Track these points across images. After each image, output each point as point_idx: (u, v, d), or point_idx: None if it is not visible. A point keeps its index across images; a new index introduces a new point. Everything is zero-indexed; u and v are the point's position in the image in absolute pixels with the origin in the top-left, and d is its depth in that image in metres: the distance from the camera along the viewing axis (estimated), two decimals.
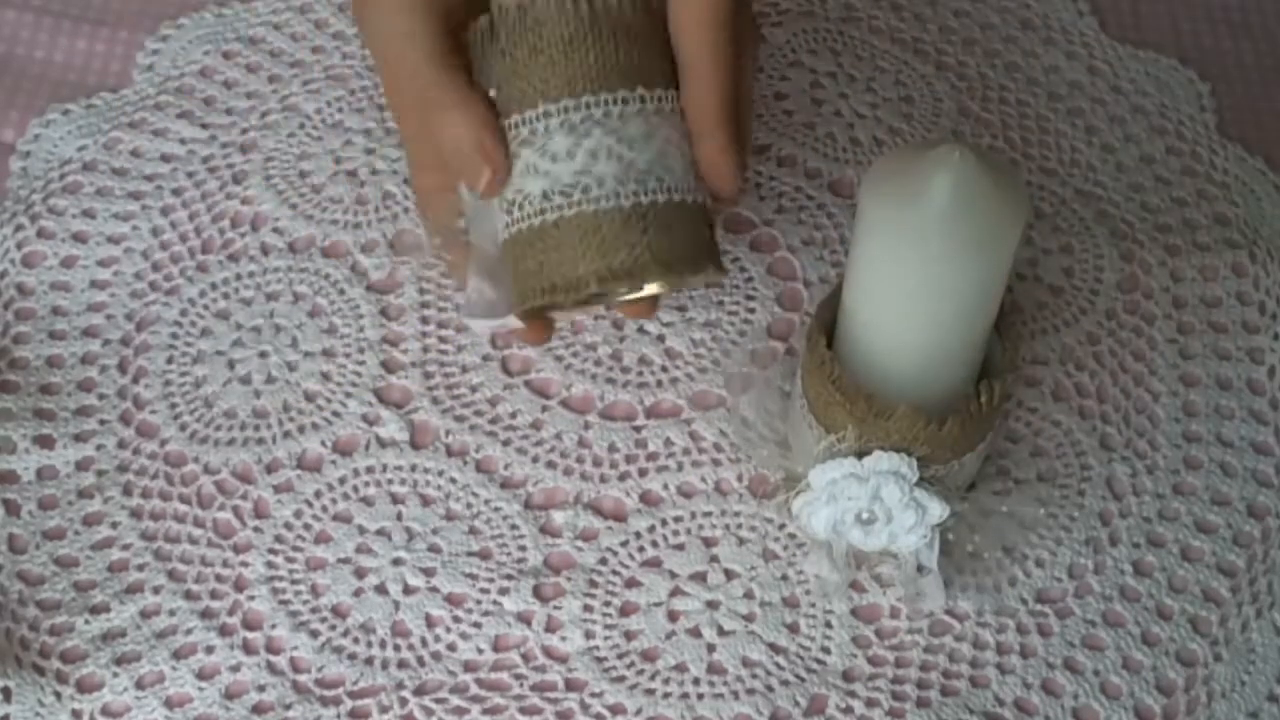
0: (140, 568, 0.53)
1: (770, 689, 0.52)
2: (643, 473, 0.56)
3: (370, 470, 0.56)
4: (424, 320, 0.59)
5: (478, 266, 0.51)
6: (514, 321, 0.51)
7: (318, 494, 0.55)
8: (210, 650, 0.52)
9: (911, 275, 0.46)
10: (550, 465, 0.56)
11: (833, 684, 0.52)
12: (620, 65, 0.48)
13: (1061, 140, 0.65)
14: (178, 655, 0.52)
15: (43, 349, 0.58)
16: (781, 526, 0.55)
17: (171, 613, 0.52)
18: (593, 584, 0.54)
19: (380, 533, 0.54)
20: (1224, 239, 0.62)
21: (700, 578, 0.54)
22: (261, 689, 0.51)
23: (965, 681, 0.52)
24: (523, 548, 0.54)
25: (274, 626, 0.52)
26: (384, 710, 0.51)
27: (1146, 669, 0.53)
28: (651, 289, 0.51)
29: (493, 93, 0.49)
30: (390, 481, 0.55)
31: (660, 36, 0.49)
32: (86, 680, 0.51)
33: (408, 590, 0.53)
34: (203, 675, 0.51)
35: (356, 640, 0.52)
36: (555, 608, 0.53)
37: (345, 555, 0.54)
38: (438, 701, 0.51)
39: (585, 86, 0.47)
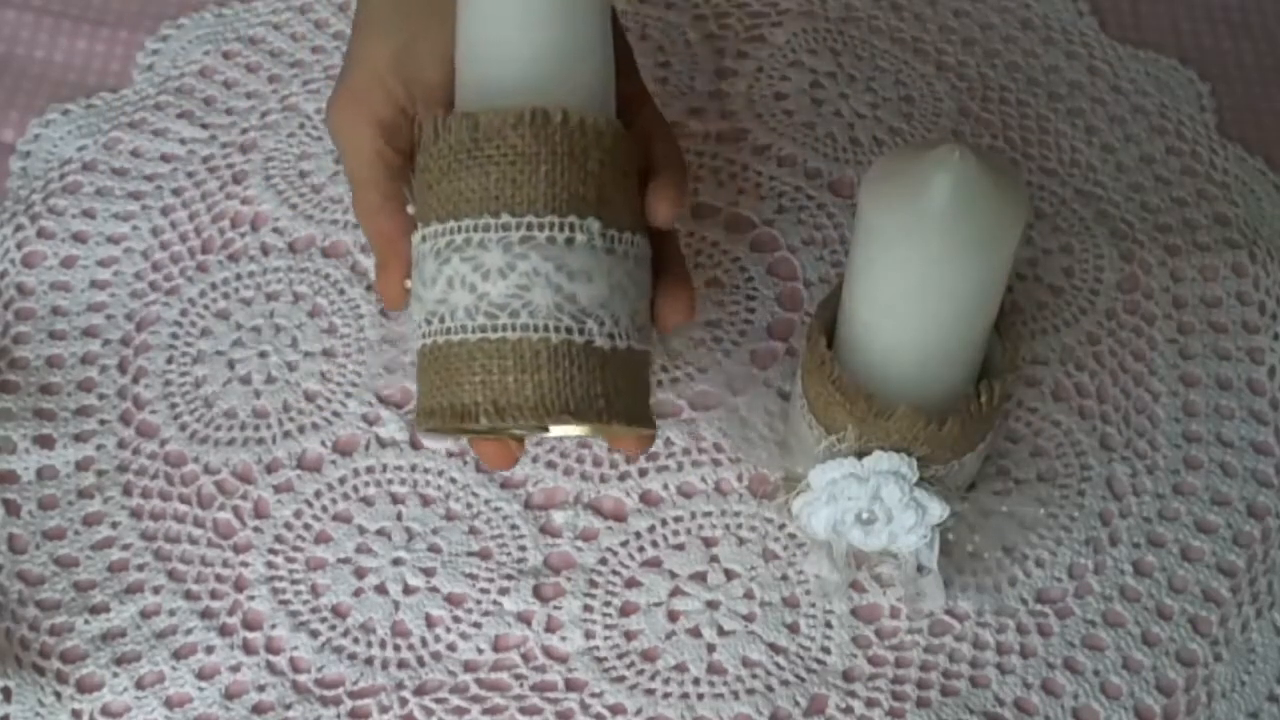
0: (140, 568, 0.53)
1: (770, 689, 0.52)
2: (643, 473, 0.56)
3: (370, 470, 0.56)
4: None
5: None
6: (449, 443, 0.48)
7: (318, 494, 0.55)
8: (210, 650, 0.52)
9: (912, 275, 0.46)
10: (550, 465, 0.56)
11: (833, 684, 0.52)
12: (578, 193, 0.44)
13: (1061, 140, 0.65)
14: (178, 655, 0.52)
15: (43, 349, 0.58)
16: (781, 526, 0.55)
17: (171, 613, 0.52)
18: (593, 584, 0.54)
19: (380, 533, 0.54)
20: (1224, 239, 0.62)
21: (700, 578, 0.54)
22: (261, 689, 0.51)
23: (965, 681, 0.52)
24: (523, 548, 0.54)
25: (274, 626, 0.52)
26: (384, 710, 0.51)
27: (1146, 669, 0.53)
28: (567, 430, 0.48)
29: (410, 209, 0.48)
30: (390, 481, 0.55)
31: (634, 179, 0.46)
32: (86, 680, 0.51)
33: (408, 590, 0.53)
34: (203, 675, 0.51)
35: (356, 640, 0.52)
36: (555, 608, 0.53)
37: (345, 555, 0.54)
38: (438, 701, 0.51)
39: (531, 206, 0.44)
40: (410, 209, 0.49)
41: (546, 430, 0.49)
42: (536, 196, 0.44)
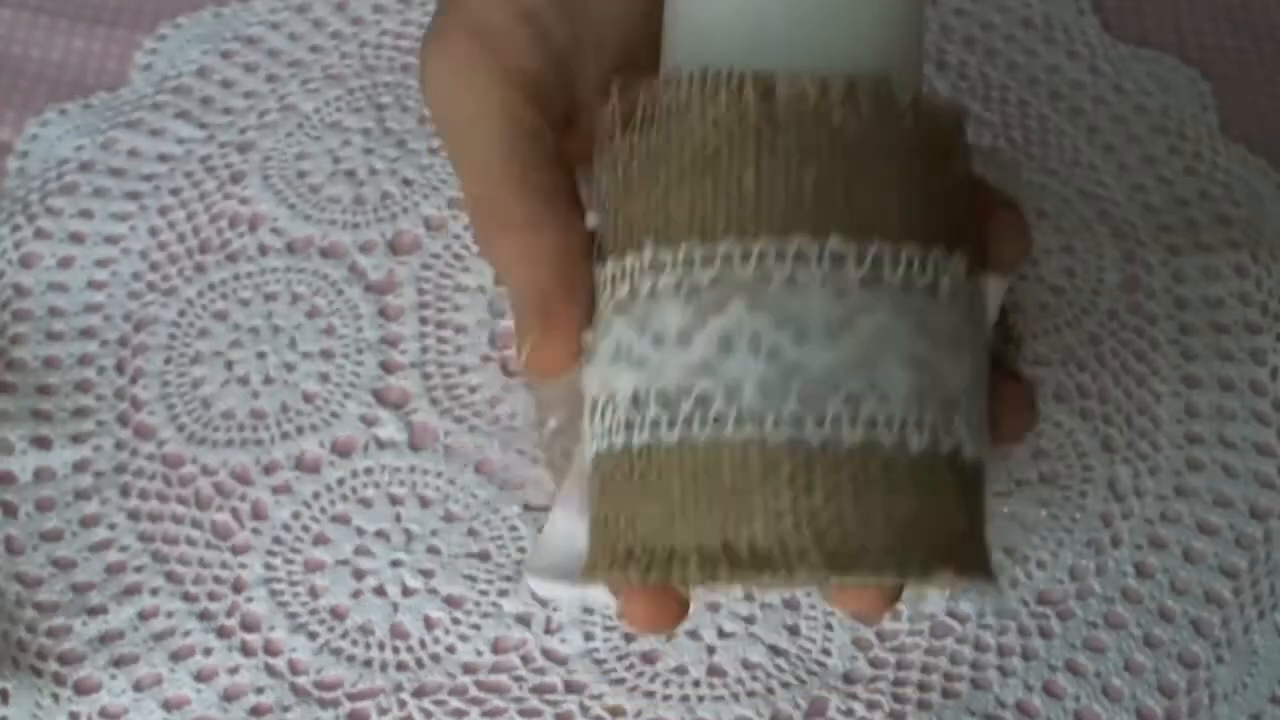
0: (138, 569, 0.53)
1: (770, 691, 0.52)
2: None
3: (369, 471, 0.55)
4: (423, 321, 0.59)
5: (574, 489, 0.34)
6: (601, 595, 0.34)
7: (316, 495, 0.55)
8: (208, 652, 0.52)
9: None
10: (550, 466, 0.56)
11: (833, 686, 0.52)
12: (938, 213, 0.30)
13: (1063, 140, 0.65)
14: (176, 657, 0.51)
15: (40, 350, 0.57)
16: None
17: (169, 614, 0.52)
18: None
19: (379, 534, 0.54)
20: (1227, 239, 0.62)
21: None
22: (260, 691, 0.51)
23: (966, 684, 0.52)
24: (522, 549, 0.54)
25: (272, 628, 0.52)
26: (383, 712, 0.51)
27: (1149, 671, 0.53)
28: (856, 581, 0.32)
29: (591, 221, 0.32)
30: (389, 483, 0.55)
31: (928, 164, 0.30)
32: (84, 682, 0.51)
33: (406, 592, 0.53)
34: (201, 677, 0.51)
35: (355, 642, 0.52)
36: (554, 609, 0.53)
37: (344, 557, 0.54)
38: (437, 703, 0.51)
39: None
40: (590, 220, 0.33)
41: (792, 582, 0.32)
42: (886, 212, 0.29)
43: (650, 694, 0.51)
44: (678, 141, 0.29)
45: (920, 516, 0.29)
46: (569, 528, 0.34)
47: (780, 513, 0.28)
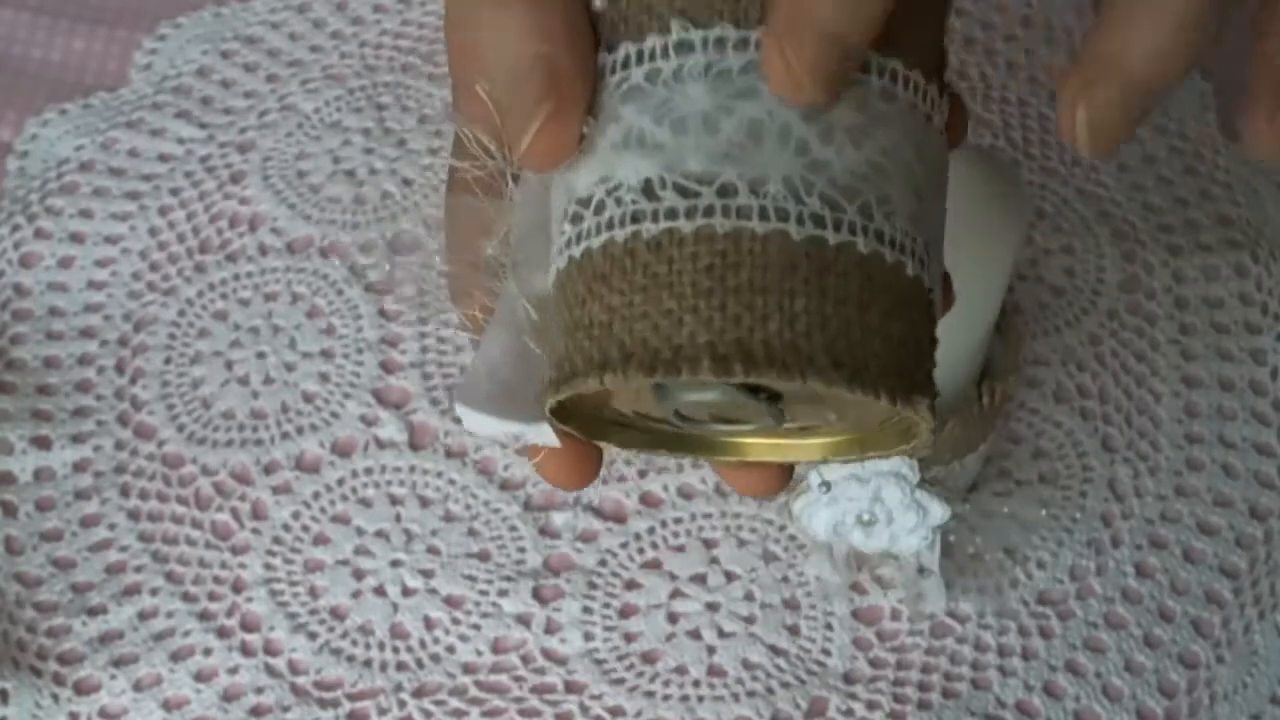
0: (138, 569, 0.53)
1: (771, 691, 0.51)
2: (642, 474, 0.56)
3: (369, 471, 0.55)
4: (422, 320, 0.59)
5: (505, 326, 0.31)
6: (539, 432, 0.30)
7: (316, 495, 0.55)
8: (208, 652, 0.52)
9: None
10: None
11: (833, 686, 0.52)
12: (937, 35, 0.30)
13: (1063, 140, 0.65)
14: (175, 657, 0.51)
15: (40, 350, 0.57)
16: (782, 528, 0.54)
17: (169, 614, 0.52)
18: (592, 586, 0.53)
19: (379, 534, 0.54)
20: (1226, 239, 0.62)
21: (700, 579, 0.54)
22: (260, 691, 0.51)
23: (967, 684, 0.52)
24: (522, 549, 0.54)
25: (272, 628, 0.52)
26: (383, 712, 0.51)
27: (1149, 671, 0.53)
28: (793, 447, 0.31)
29: (598, 3, 0.30)
30: (389, 483, 0.55)
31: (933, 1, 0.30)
32: (84, 682, 0.51)
33: (406, 592, 0.53)
34: (201, 677, 0.51)
35: (355, 642, 0.52)
36: (555, 609, 0.53)
37: (344, 557, 0.54)
38: (437, 704, 0.51)
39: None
40: (598, 1, 0.30)
41: (778, 414, 0.29)
42: (900, 36, 0.28)
43: (650, 694, 0.51)
44: None
45: (907, 343, 0.28)
46: (498, 360, 0.31)
47: (795, 315, 0.27)
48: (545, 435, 0.30)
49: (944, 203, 0.30)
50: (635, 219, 0.27)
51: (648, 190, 0.27)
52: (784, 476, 0.33)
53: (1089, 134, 0.30)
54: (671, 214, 0.27)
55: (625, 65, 0.28)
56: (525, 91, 0.28)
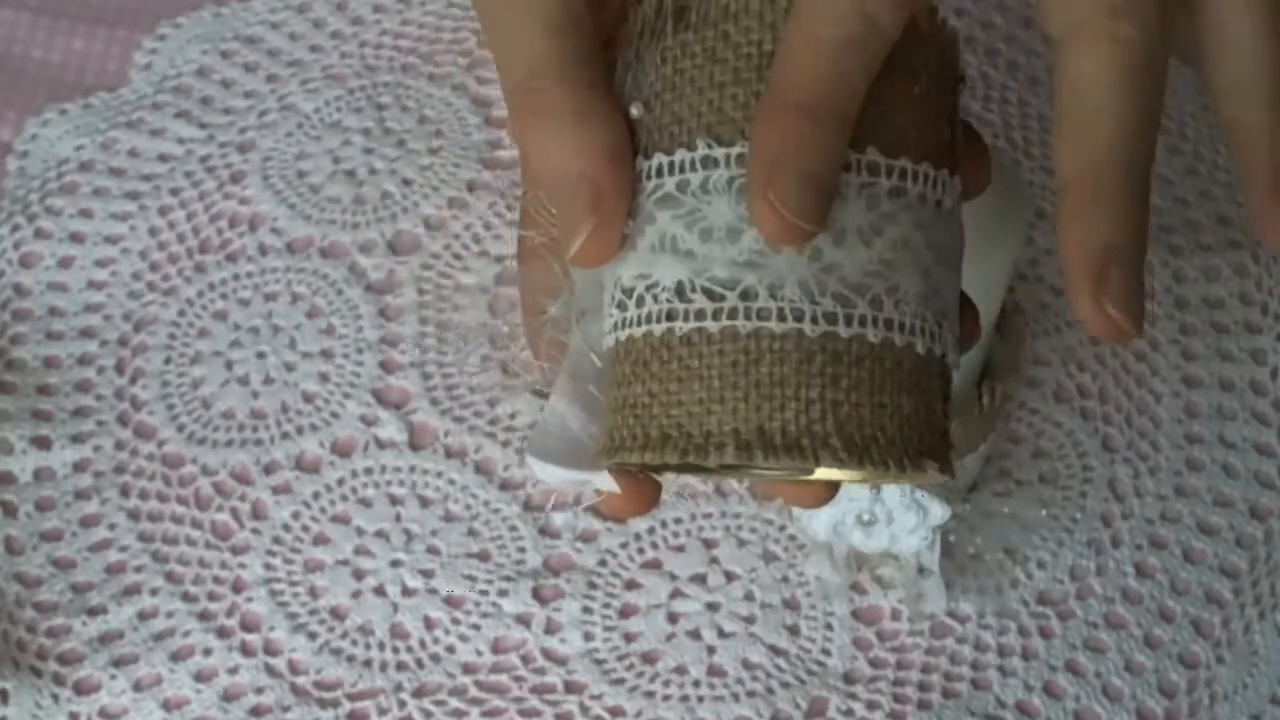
0: (138, 569, 0.53)
1: (771, 691, 0.51)
2: None
3: (369, 471, 0.55)
4: (423, 321, 0.59)
5: (572, 379, 0.34)
6: (602, 479, 0.34)
7: (316, 495, 0.55)
8: (208, 652, 0.52)
9: None
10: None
11: (833, 686, 0.52)
12: (945, 132, 0.33)
13: None
14: (175, 657, 0.51)
15: (40, 350, 0.57)
16: (782, 528, 0.54)
17: (169, 614, 0.52)
18: (592, 586, 0.53)
19: (379, 534, 0.54)
20: (1226, 239, 0.62)
21: (700, 579, 0.54)
22: (260, 691, 0.51)
23: (967, 684, 0.52)
24: (522, 549, 0.54)
25: (272, 628, 0.52)
26: (383, 712, 0.51)
27: (1149, 671, 0.53)
28: (828, 474, 0.34)
29: (635, 112, 0.33)
30: (389, 483, 0.55)
31: (940, 92, 0.33)
32: (84, 682, 0.51)
33: (406, 592, 0.53)
34: (200, 677, 0.51)
35: (355, 642, 0.52)
36: (555, 609, 0.53)
37: (344, 557, 0.54)
38: (437, 704, 0.51)
39: (905, 143, 0.31)
40: (635, 110, 0.33)
41: (807, 471, 0.34)
42: (908, 132, 0.31)
43: (650, 694, 0.51)
44: (734, 43, 0.31)
45: (917, 415, 0.31)
46: (565, 412, 0.34)
47: (810, 402, 0.30)
48: (608, 482, 0.34)
49: (959, 269, 0.33)
50: (670, 316, 0.31)
51: (680, 291, 0.31)
52: (831, 489, 0.35)
53: (1133, 323, 0.33)
54: (700, 315, 0.31)
55: (659, 173, 0.32)
56: (571, 207, 0.32)
